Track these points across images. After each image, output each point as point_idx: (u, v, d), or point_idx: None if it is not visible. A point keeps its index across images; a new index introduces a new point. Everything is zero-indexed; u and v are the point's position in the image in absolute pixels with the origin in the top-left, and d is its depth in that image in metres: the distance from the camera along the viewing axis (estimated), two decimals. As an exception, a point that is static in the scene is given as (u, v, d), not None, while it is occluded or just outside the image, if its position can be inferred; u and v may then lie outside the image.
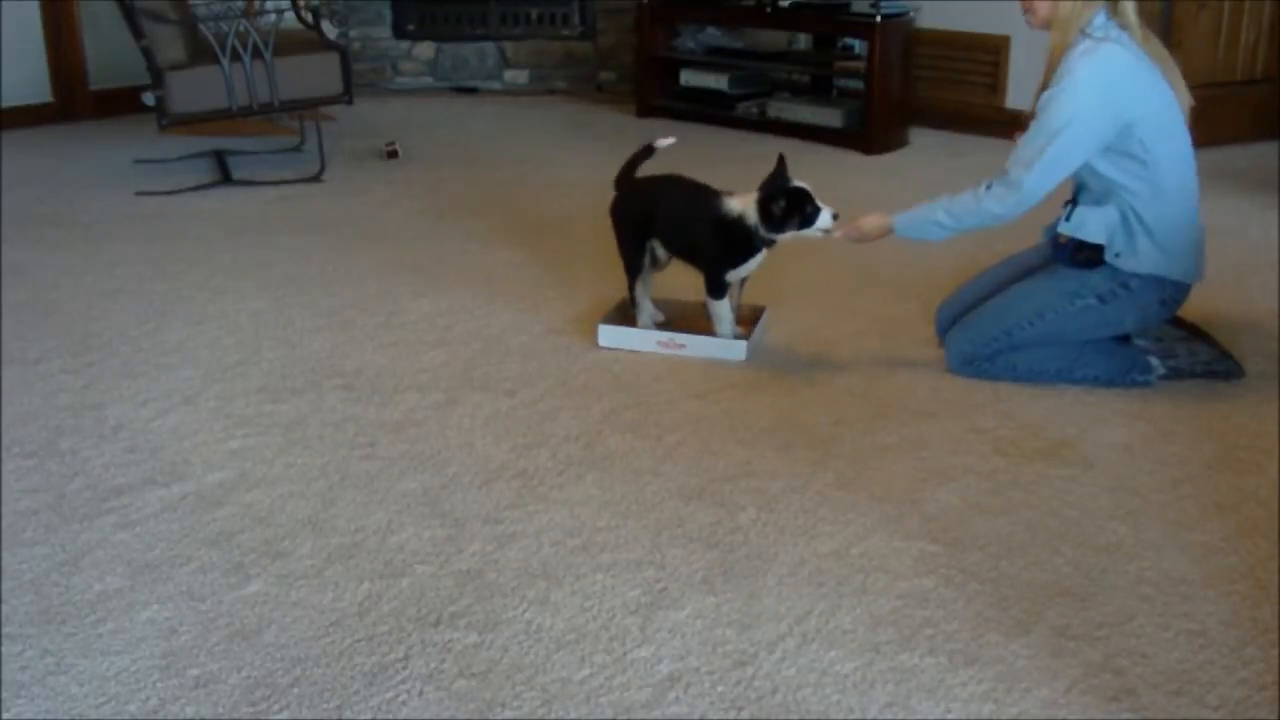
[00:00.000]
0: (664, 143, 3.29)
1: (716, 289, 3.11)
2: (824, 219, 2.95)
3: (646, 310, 3.25)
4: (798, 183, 2.95)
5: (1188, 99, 2.86)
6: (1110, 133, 2.75)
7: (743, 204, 3.01)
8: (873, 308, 3.47)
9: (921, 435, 2.70)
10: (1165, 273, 2.85)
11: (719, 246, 3.06)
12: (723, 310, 3.13)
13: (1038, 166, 2.74)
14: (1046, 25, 2.82)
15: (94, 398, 2.91)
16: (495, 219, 4.39)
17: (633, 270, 3.23)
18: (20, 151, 5.38)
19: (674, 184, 3.22)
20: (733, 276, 3.11)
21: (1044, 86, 2.81)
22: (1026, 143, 2.77)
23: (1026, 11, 2.85)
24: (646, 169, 3.30)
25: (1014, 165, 2.78)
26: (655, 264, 3.26)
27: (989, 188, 2.82)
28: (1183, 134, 2.86)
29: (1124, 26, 2.79)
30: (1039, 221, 3.07)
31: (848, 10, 5.49)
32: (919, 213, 2.91)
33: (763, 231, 2.98)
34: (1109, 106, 2.73)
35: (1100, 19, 2.77)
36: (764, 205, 2.96)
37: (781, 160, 3.01)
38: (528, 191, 4.77)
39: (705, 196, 3.10)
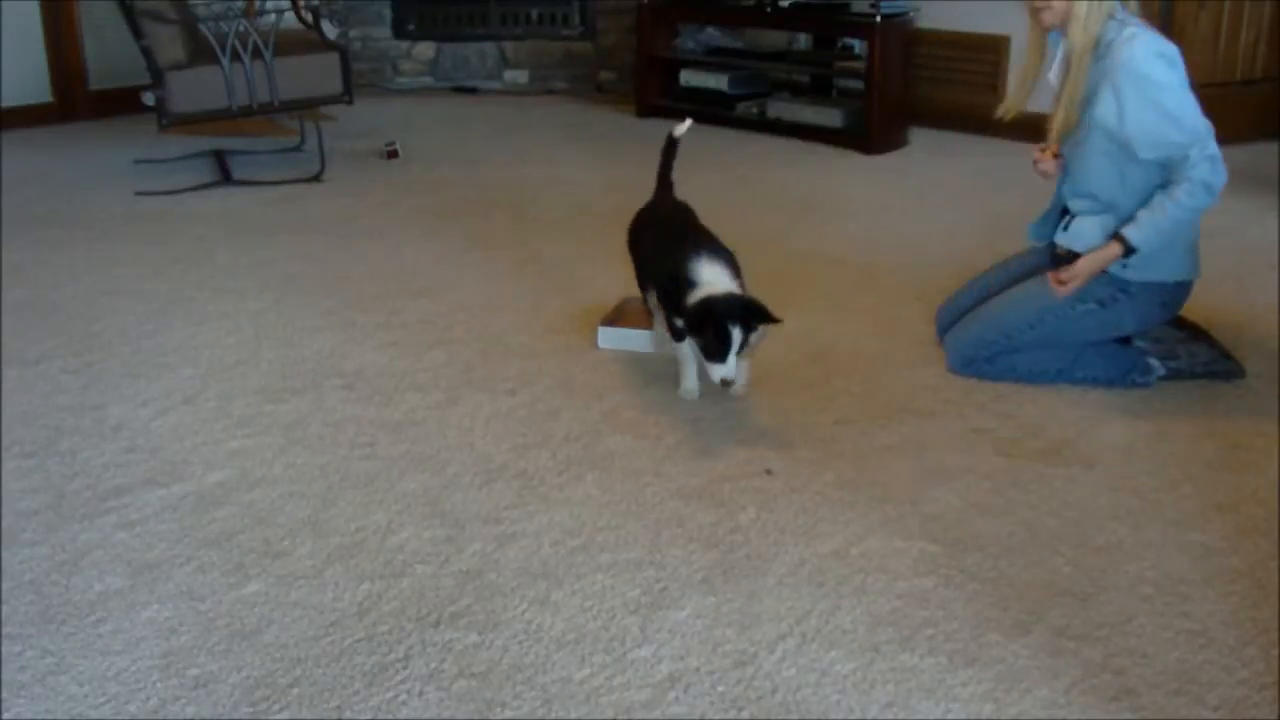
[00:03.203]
0: (682, 129, 3.16)
1: (673, 331, 2.83)
2: (718, 370, 2.61)
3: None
4: (736, 330, 2.57)
5: None
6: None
7: (711, 283, 2.66)
8: (873, 308, 3.46)
9: (921, 435, 2.70)
10: (1167, 277, 2.84)
11: (668, 299, 2.79)
12: (681, 353, 2.86)
13: (1202, 135, 2.63)
14: (1062, 24, 2.72)
15: (94, 398, 2.91)
16: (495, 219, 4.38)
17: (643, 287, 3.10)
18: (20, 151, 5.38)
19: (666, 222, 3.03)
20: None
21: (1067, 94, 2.72)
22: (1165, 136, 2.63)
23: (1040, 11, 2.74)
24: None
25: (1183, 163, 2.63)
26: None
27: (1185, 184, 2.63)
28: None
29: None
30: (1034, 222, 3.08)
31: (848, 10, 5.49)
32: (1145, 220, 2.67)
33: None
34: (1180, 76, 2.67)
35: (1121, 11, 2.70)
36: (690, 311, 2.64)
37: (761, 310, 2.62)
38: (528, 191, 4.76)
39: (681, 252, 2.76)
